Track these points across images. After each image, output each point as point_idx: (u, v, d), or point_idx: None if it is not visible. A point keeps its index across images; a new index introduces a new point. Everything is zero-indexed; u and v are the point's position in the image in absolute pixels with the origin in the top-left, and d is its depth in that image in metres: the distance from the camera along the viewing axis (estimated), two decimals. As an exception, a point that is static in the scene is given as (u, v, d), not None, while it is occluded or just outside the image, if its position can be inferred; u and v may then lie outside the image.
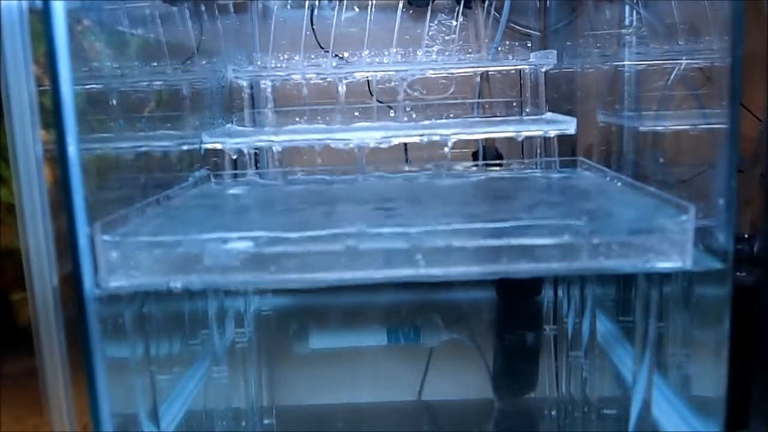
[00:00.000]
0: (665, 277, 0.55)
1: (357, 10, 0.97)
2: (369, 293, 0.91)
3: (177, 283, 0.50)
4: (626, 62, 0.83)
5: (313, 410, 0.63)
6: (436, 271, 0.50)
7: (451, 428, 0.57)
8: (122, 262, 0.51)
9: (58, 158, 0.52)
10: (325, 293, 0.92)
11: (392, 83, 0.95)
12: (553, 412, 0.64)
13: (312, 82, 0.95)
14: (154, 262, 0.51)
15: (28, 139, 0.53)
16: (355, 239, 0.50)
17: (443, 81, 0.97)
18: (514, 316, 0.89)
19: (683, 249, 0.49)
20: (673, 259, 0.50)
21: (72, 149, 0.51)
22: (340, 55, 0.96)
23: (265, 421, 0.64)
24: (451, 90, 0.98)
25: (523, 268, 0.50)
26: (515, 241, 0.49)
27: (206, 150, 0.78)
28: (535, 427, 0.62)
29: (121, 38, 0.69)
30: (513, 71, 0.95)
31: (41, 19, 0.50)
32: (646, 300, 0.53)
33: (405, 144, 0.92)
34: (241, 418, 0.63)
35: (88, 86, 0.58)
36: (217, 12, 0.92)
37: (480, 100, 0.91)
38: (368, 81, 0.93)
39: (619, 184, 0.66)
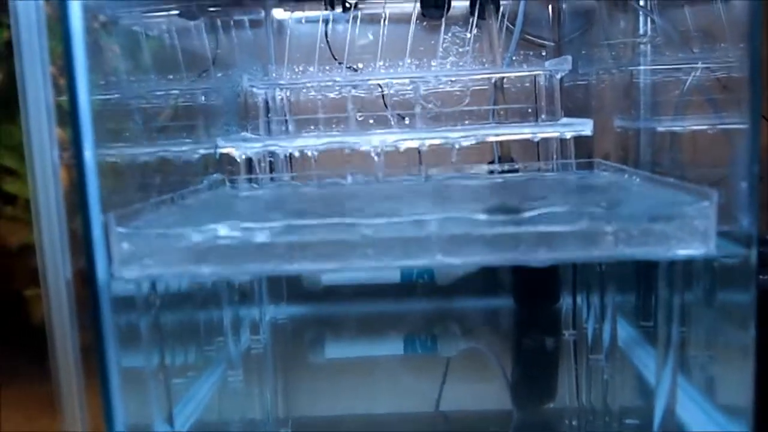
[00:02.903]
0: (687, 267, 0.54)
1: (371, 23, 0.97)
2: (386, 302, 0.91)
3: (192, 272, 0.49)
4: (642, 69, 0.83)
5: (328, 420, 0.62)
6: (454, 259, 0.49)
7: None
8: (135, 252, 0.50)
9: (73, 153, 0.52)
10: (341, 301, 0.92)
11: (407, 95, 0.95)
12: (574, 421, 0.62)
13: (326, 95, 0.96)
14: (168, 252, 0.50)
15: (44, 137, 0.53)
16: (371, 228, 0.49)
17: (458, 93, 0.97)
18: (533, 324, 0.87)
19: (706, 235, 0.48)
20: (696, 246, 0.48)
21: (88, 147, 0.51)
22: (354, 67, 0.96)
23: (281, 431, 0.63)
24: (466, 101, 0.98)
25: (541, 255, 0.49)
26: (533, 228, 0.49)
27: (221, 156, 0.78)
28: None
29: (138, 48, 0.69)
30: (528, 80, 0.95)
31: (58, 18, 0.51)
32: (668, 294, 0.52)
33: (419, 151, 0.92)
34: (256, 426, 0.62)
35: (106, 95, 0.59)
36: (232, 26, 0.93)
37: (495, 107, 0.90)
38: (383, 95, 0.93)
39: (638, 180, 0.65)
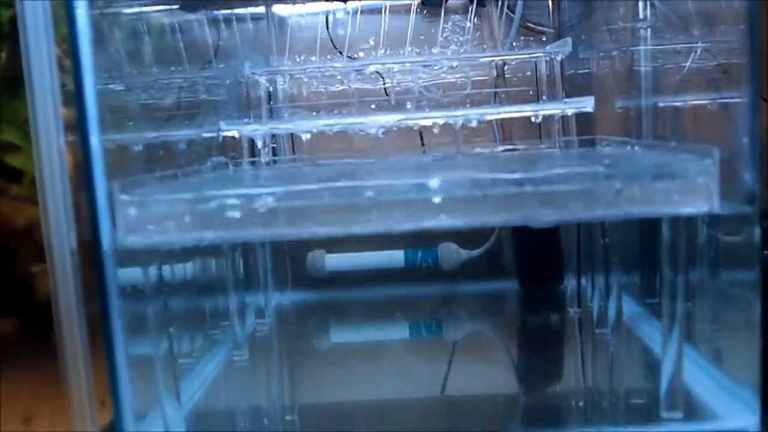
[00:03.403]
0: (691, 226, 0.54)
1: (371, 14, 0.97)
2: (390, 287, 0.91)
3: (197, 238, 0.50)
4: (642, 52, 0.83)
5: (334, 406, 0.61)
6: (457, 221, 0.49)
7: (476, 425, 0.55)
8: (140, 219, 0.50)
9: (77, 126, 0.52)
10: (346, 287, 0.92)
11: (408, 84, 0.96)
12: (580, 396, 0.62)
13: (328, 87, 0.96)
14: (172, 218, 0.50)
15: (50, 115, 0.53)
16: (375, 191, 0.49)
17: (459, 83, 0.97)
18: (537, 305, 0.87)
19: (709, 193, 0.48)
20: (699, 204, 0.48)
21: (92, 119, 0.51)
22: (355, 57, 0.97)
23: (287, 417, 0.63)
24: (468, 89, 0.98)
25: (545, 215, 0.49)
26: (537, 188, 0.49)
27: (224, 141, 0.78)
28: (561, 407, 0.60)
29: (141, 38, 0.70)
30: (529, 69, 0.96)
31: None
32: (673, 262, 0.52)
33: (421, 138, 0.93)
34: (261, 413, 0.62)
35: (108, 83, 0.59)
36: (234, 19, 0.93)
37: (497, 90, 0.91)
38: (384, 86, 0.94)
39: (641, 149, 0.65)
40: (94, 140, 0.51)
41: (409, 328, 0.83)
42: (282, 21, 0.99)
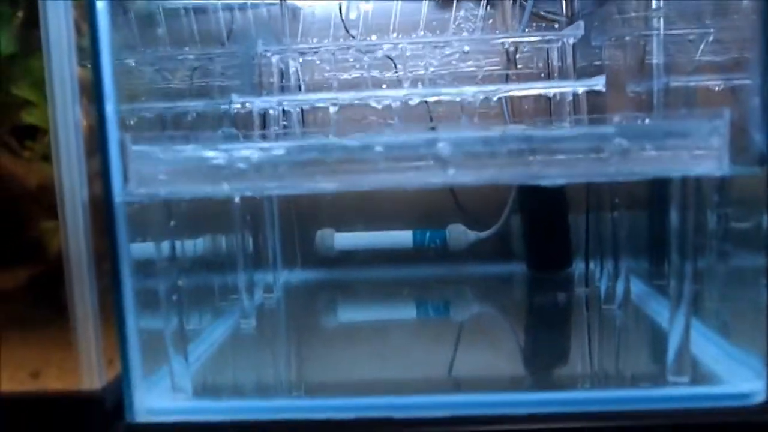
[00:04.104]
0: (700, 187, 0.54)
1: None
2: (398, 267, 0.91)
3: (208, 191, 0.50)
4: (654, 40, 0.83)
5: (341, 383, 0.62)
6: (466, 176, 0.50)
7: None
8: (151, 171, 0.51)
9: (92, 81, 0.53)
10: (354, 266, 0.92)
11: (420, 69, 0.96)
12: (588, 366, 0.62)
13: (340, 72, 0.97)
14: (184, 171, 0.51)
15: (65, 74, 0.54)
16: (384, 146, 0.50)
17: (472, 68, 0.98)
18: (546, 287, 0.87)
19: (719, 153, 0.48)
20: (710, 164, 0.48)
21: (107, 75, 0.52)
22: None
23: (290, 379, 0.63)
24: (480, 77, 0.98)
25: (554, 173, 0.49)
26: (547, 144, 0.49)
27: (235, 117, 0.79)
28: (569, 373, 0.60)
29: (154, 18, 0.71)
30: (541, 58, 0.96)
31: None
32: (682, 217, 0.52)
33: (431, 118, 0.93)
34: (268, 390, 0.62)
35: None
36: (249, 5, 0.94)
37: (508, 71, 0.91)
38: (396, 74, 0.95)
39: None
40: (110, 107, 0.51)
41: (417, 308, 0.83)
42: (295, 10, 1.00)
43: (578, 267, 0.86)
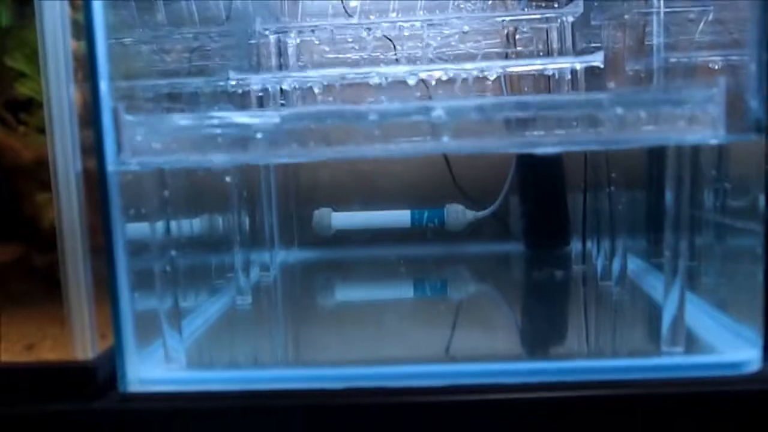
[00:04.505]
0: (697, 159, 0.54)
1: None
2: (396, 246, 0.91)
3: (203, 160, 0.50)
4: (654, 19, 0.82)
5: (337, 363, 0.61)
6: (462, 145, 0.49)
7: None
8: (144, 140, 0.51)
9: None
10: (351, 246, 0.92)
11: (418, 50, 0.96)
12: (584, 338, 0.62)
13: (339, 53, 0.96)
14: (178, 139, 0.50)
15: (59, 48, 0.53)
16: (378, 114, 0.49)
17: (471, 49, 0.97)
18: (543, 264, 0.87)
19: (715, 120, 0.48)
20: (706, 131, 0.48)
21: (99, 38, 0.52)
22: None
23: (285, 354, 0.63)
24: (479, 58, 0.98)
25: (549, 140, 0.49)
26: (542, 112, 0.48)
27: (232, 96, 0.79)
28: (564, 345, 0.60)
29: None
30: (541, 39, 0.95)
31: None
32: (678, 187, 0.52)
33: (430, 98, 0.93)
34: (261, 345, 0.62)
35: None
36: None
37: (508, 50, 0.91)
38: (395, 56, 0.94)
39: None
40: (103, 82, 0.51)
41: (414, 287, 0.83)
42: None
43: (576, 246, 0.85)
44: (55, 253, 0.55)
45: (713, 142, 0.48)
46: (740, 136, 0.49)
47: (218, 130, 0.50)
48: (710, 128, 0.48)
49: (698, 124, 0.48)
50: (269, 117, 0.50)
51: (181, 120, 0.50)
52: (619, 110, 0.48)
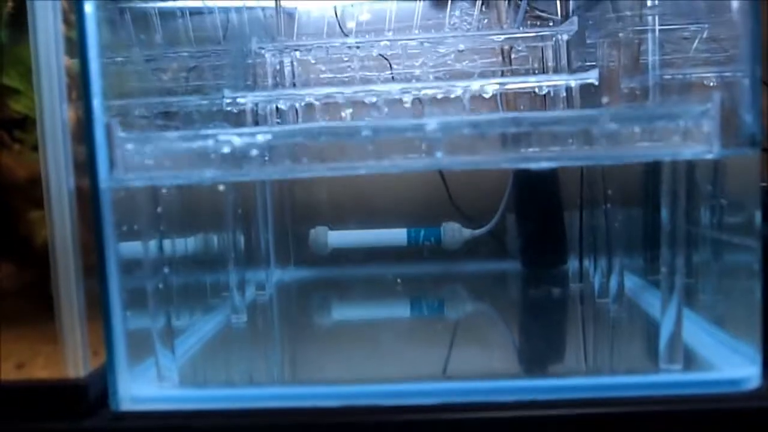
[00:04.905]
0: (693, 176, 0.54)
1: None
2: (393, 265, 0.90)
3: (195, 177, 0.50)
4: (650, 37, 0.83)
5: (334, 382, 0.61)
6: (455, 161, 0.49)
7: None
8: (137, 157, 0.50)
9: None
10: (348, 265, 0.92)
11: (415, 68, 0.96)
12: (582, 355, 0.62)
13: (336, 74, 0.97)
14: (170, 157, 0.50)
15: (53, 64, 0.53)
16: (371, 130, 0.49)
17: (467, 68, 0.98)
18: (540, 283, 0.86)
19: (710, 136, 0.48)
20: (700, 147, 0.48)
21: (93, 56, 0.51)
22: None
23: (280, 373, 0.62)
24: (475, 77, 0.98)
25: (543, 155, 0.49)
26: (535, 128, 0.48)
27: (227, 115, 0.79)
28: (562, 361, 0.60)
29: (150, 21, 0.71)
30: (536, 58, 0.96)
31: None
32: (673, 203, 0.51)
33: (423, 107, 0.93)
34: (256, 364, 0.61)
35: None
36: (244, 8, 0.94)
37: (503, 68, 0.91)
38: (391, 74, 0.95)
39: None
40: (96, 100, 0.51)
41: (411, 306, 0.83)
42: (291, 15, 1.00)
43: (573, 265, 0.85)
44: (48, 270, 0.55)
45: (708, 157, 0.48)
46: (735, 151, 0.49)
47: (211, 146, 0.50)
48: (705, 143, 0.48)
49: (693, 139, 0.48)
50: (262, 134, 0.50)
51: (174, 138, 0.50)
52: (614, 126, 0.48)
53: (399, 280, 0.87)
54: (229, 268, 0.75)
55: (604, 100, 0.72)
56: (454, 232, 0.91)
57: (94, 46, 0.51)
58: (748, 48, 0.48)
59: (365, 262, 0.92)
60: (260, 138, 0.50)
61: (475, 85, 0.75)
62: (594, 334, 0.67)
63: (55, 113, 0.53)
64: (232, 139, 0.50)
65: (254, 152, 0.50)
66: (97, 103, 0.50)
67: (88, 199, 0.53)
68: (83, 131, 0.52)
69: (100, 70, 0.51)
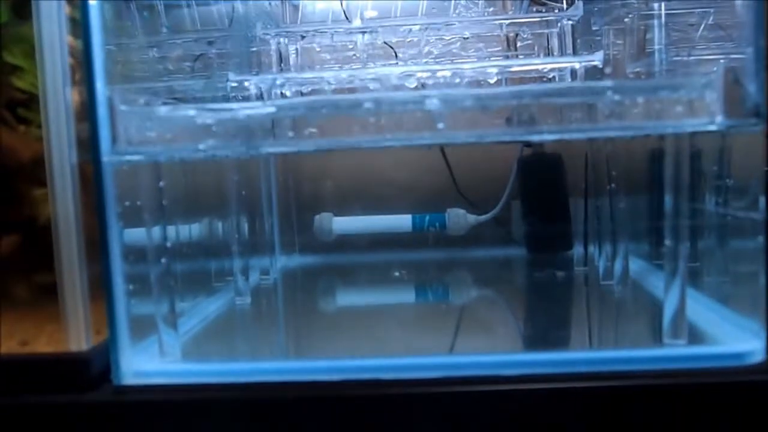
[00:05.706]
0: (697, 153, 0.53)
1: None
2: (397, 251, 0.90)
3: (198, 149, 0.49)
4: (656, 23, 0.82)
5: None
6: (458, 135, 0.49)
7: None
8: (139, 129, 0.50)
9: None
10: (353, 251, 0.92)
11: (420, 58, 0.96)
12: (588, 331, 0.61)
13: (341, 63, 0.97)
14: (173, 129, 0.50)
15: (56, 42, 0.54)
16: (373, 102, 0.49)
17: (472, 54, 0.97)
18: (545, 268, 0.86)
19: (713, 107, 0.47)
20: (703, 118, 0.48)
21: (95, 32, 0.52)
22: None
23: (283, 351, 0.62)
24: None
25: (547, 128, 0.48)
26: (539, 100, 0.48)
27: (233, 98, 0.78)
28: (568, 337, 0.59)
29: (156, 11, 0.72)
30: (541, 40, 0.95)
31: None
32: (677, 179, 0.51)
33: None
34: (259, 343, 0.61)
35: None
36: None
37: (509, 54, 0.91)
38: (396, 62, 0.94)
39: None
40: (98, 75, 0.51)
41: (415, 291, 0.82)
42: (295, 8, 1.00)
43: (578, 250, 0.84)
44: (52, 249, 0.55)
45: (712, 128, 0.47)
46: (739, 122, 0.48)
47: (212, 120, 0.50)
48: (708, 114, 0.48)
49: (696, 111, 0.48)
50: (264, 108, 0.50)
51: (177, 112, 0.50)
52: (616, 97, 0.48)
53: (399, 273, 0.87)
54: (232, 253, 0.75)
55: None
56: (459, 218, 0.91)
57: (97, 23, 0.51)
58: (753, 17, 0.47)
59: (370, 248, 0.92)
60: (263, 111, 0.50)
61: (477, 66, 0.74)
62: (599, 313, 0.66)
63: (57, 89, 0.53)
64: (234, 113, 0.50)
65: (256, 126, 0.50)
66: (99, 75, 0.50)
67: (90, 178, 0.53)
68: (85, 109, 0.52)
69: (103, 46, 0.51)
